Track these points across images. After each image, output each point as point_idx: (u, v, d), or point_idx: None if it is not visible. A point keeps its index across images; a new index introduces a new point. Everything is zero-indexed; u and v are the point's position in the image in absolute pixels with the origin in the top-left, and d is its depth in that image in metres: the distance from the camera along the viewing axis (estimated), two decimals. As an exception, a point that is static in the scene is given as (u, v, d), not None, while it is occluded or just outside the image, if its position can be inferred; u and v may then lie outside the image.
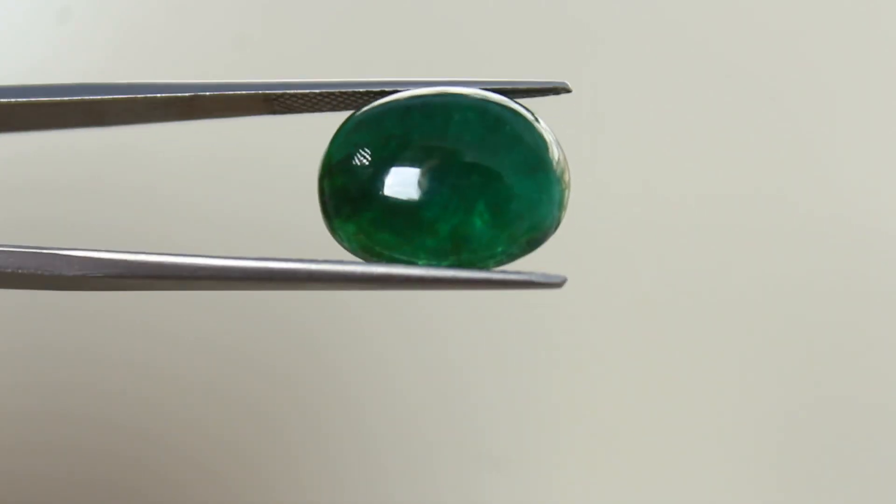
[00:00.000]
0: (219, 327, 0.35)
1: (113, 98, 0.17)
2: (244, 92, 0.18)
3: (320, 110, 0.17)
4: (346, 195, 0.16)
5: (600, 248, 0.35)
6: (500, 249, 0.16)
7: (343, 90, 0.17)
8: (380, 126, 0.16)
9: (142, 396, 0.35)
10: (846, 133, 0.36)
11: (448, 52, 0.35)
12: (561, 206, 0.17)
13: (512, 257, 0.17)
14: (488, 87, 0.17)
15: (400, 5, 0.37)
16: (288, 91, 0.17)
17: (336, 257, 0.16)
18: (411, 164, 0.16)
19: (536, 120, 0.17)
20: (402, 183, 0.16)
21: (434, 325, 0.35)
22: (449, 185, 0.16)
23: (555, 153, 0.16)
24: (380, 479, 0.36)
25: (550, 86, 0.17)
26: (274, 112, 0.17)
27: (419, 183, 0.16)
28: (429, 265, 0.16)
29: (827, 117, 0.36)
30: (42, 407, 0.35)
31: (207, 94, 0.17)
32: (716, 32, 0.36)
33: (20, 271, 0.15)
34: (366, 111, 0.16)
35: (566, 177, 0.16)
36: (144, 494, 0.35)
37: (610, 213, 0.35)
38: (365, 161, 0.16)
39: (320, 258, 0.16)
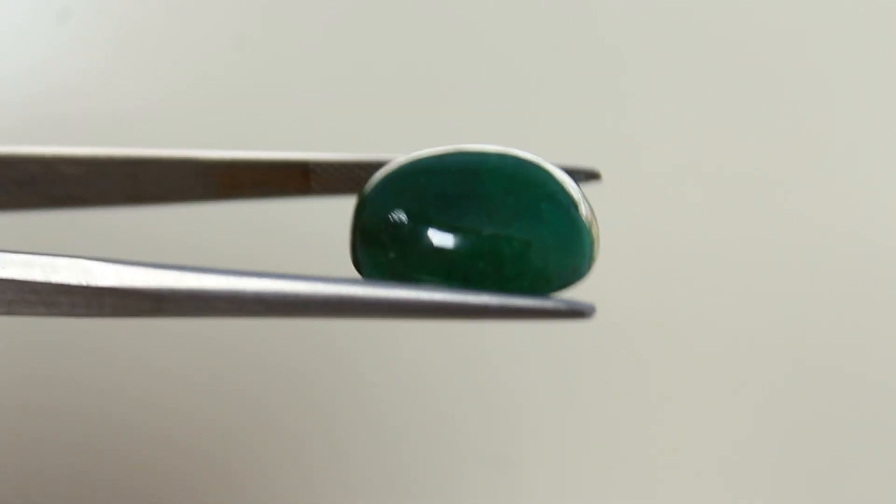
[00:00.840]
0: (226, 324, 0.35)
1: (154, 159, 0.18)
2: (282, 159, 0.18)
3: (354, 190, 0.18)
4: (381, 222, 0.17)
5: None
6: (527, 284, 0.17)
7: (379, 161, 0.18)
8: (417, 162, 0.17)
9: (145, 395, 0.36)
10: (850, 137, 0.37)
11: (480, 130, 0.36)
12: (591, 256, 0.17)
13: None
14: None
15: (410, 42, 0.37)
16: (325, 160, 0.18)
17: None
18: (448, 191, 0.16)
19: (566, 177, 0.17)
20: (438, 207, 0.16)
21: (445, 324, 0.36)
22: (482, 209, 0.16)
23: (583, 208, 0.17)
24: (387, 480, 0.36)
25: (581, 170, 0.18)
26: (311, 191, 0.18)
27: (454, 206, 0.16)
28: (458, 289, 0.16)
29: (833, 120, 0.37)
30: (44, 406, 0.35)
31: (245, 161, 0.18)
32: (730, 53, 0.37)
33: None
34: (404, 158, 0.17)
35: (594, 230, 0.17)
36: (146, 494, 0.35)
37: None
38: (401, 189, 0.16)
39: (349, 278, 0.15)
